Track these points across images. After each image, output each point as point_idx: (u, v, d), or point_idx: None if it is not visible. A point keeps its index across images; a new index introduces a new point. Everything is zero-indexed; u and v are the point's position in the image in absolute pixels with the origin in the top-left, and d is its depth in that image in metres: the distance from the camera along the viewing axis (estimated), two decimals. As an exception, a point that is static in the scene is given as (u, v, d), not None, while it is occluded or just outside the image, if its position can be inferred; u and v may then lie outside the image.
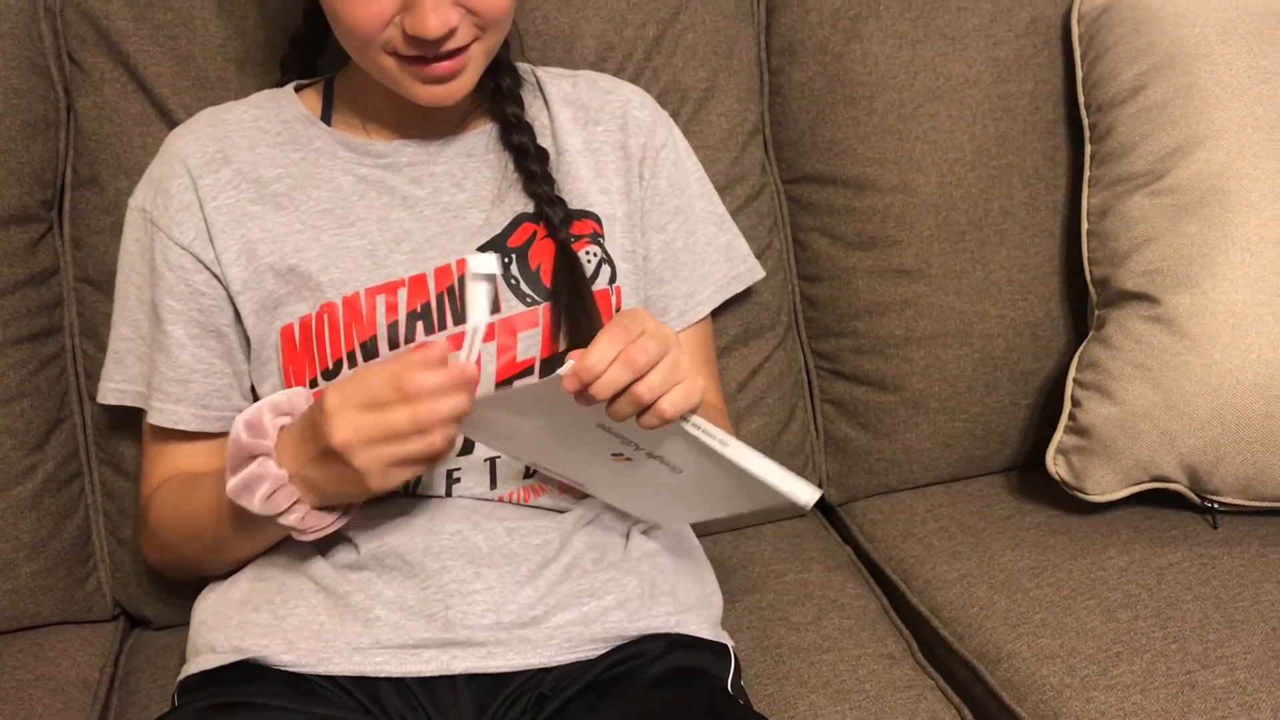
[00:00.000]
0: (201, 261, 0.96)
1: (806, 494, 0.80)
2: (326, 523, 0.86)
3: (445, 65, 0.88)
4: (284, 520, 0.84)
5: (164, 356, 0.97)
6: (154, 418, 0.98)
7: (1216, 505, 1.15)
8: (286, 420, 0.86)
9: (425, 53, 0.87)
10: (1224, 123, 1.13)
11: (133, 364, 1.00)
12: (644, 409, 0.77)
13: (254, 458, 0.83)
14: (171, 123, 1.08)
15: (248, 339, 0.97)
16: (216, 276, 0.96)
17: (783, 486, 0.80)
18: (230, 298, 0.96)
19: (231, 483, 0.83)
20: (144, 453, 1.02)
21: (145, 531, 1.02)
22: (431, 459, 0.79)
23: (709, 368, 1.10)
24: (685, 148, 1.10)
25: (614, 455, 0.84)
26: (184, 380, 0.97)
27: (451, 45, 0.87)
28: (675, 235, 1.06)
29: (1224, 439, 1.10)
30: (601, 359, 0.76)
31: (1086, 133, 1.23)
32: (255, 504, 0.83)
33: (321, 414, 0.79)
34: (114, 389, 1.02)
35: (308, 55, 1.07)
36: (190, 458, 0.99)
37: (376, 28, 0.86)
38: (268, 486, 0.82)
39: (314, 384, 0.93)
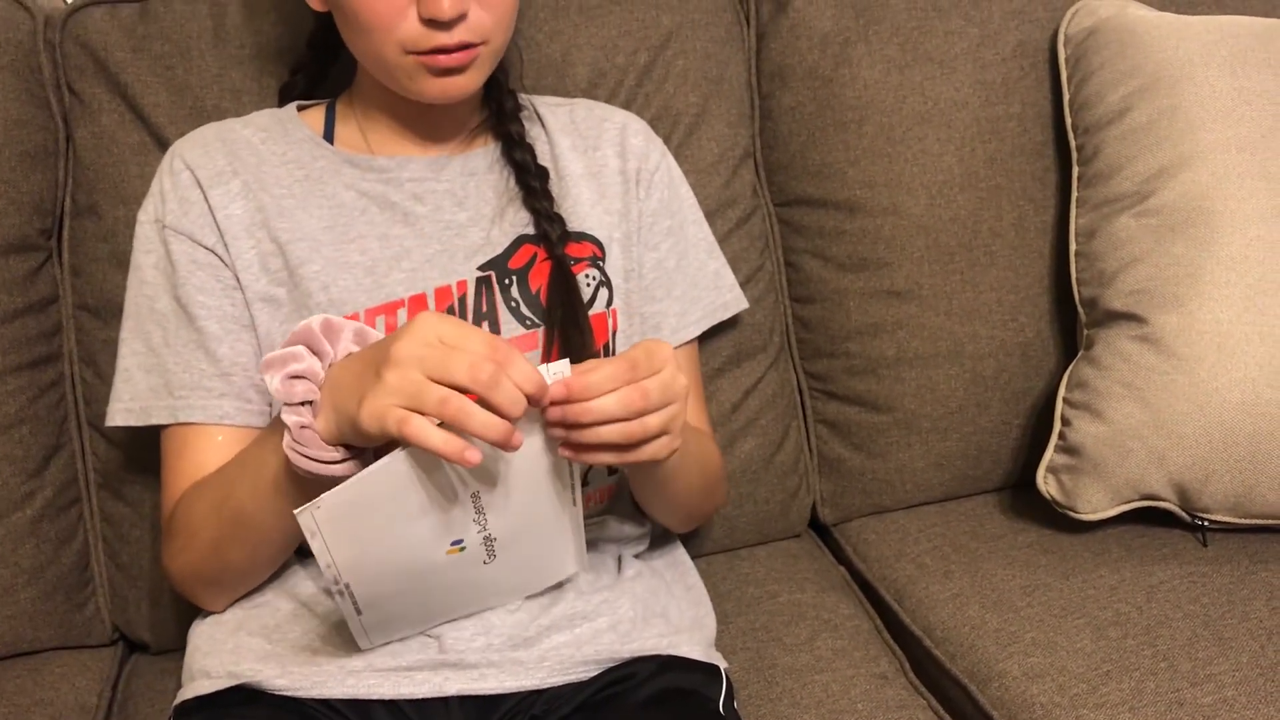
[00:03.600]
0: (224, 263, 0.96)
1: (576, 567, 0.90)
2: (317, 455, 0.79)
3: (457, 56, 0.91)
4: (287, 416, 0.79)
5: (202, 354, 0.95)
6: (194, 415, 0.95)
7: (1206, 523, 1.15)
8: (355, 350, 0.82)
9: (439, 42, 0.89)
10: (1208, 144, 1.14)
11: (141, 379, 0.97)
12: (613, 448, 0.78)
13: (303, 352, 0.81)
14: (168, 152, 1.09)
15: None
16: (237, 278, 0.96)
17: (575, 555, 0.88)
18: (247, 303, 0.97)
19: (268, 356, 0.81)
20: (166, 465, 0.97)
21: (169, 534, 0.95)
22: (417, 434, 0.72)
23: (697, 390, 1.11)
24: (679, 175, 1.12)
25: (453, 544, 0.82)
26: (226, 374, 0.96)
27: (464, 38, 0.90)
28: (668, 254, 1.08)
29: (1212, 457, 1.11)
30: (603, 382, 0.76)
31: (1074, 154, 1.24)
32: (276, 381, 0.80)
33: (409, 323, 0.76)
34: (122, 409, 0.98)
35: (309, 84, 1.09)
36: (222, 458, 0.94)
37: (393, 17, 0.88)
38: (296, 368, 0.80)
39: None
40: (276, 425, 0.84)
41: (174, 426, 0.96)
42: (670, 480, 0.94)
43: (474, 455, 0.72)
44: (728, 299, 1.14)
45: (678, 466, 0.92)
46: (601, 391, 0.76)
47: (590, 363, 0.77)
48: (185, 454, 0.96)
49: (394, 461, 0.76)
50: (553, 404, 0.76)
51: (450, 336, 0.75)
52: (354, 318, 0.94)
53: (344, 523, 0.78)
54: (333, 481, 0.77)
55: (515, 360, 0.74)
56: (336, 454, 0.80)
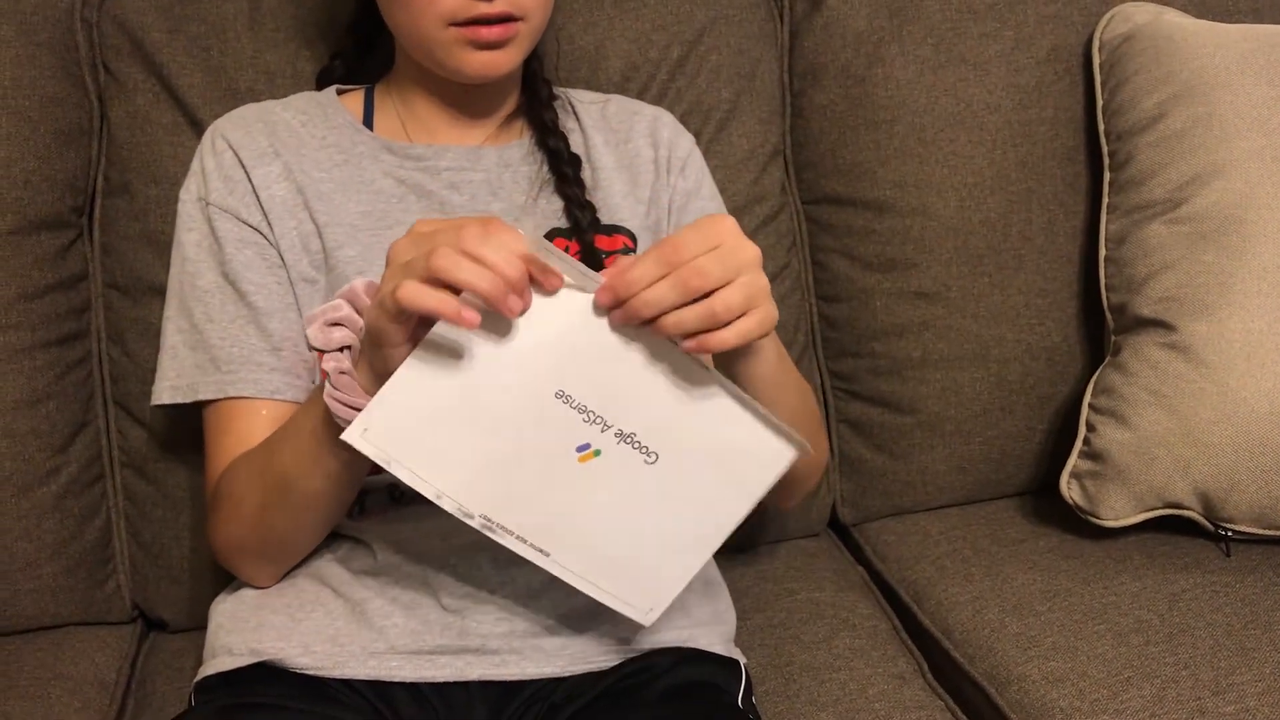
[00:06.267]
0: (269, 241, 0.97)
1: (788, 450, 0.77)
2: (356, 402, 0.78)
3: (497, 30, 0.92)
4: (326, 363, 0.80)
5: (253, 329, 0.95)
6: (245, 390, 0.94)
7: (1230, 533, 1.15)
8: None
9: (481, 11, 0.90)
10: (1243, 152, 1.14)
11: (186, 355, 0.96)
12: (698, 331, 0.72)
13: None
14: (202, 133, 1.09)
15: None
16: (281, 258, 0.97)
17: (770, 434, 0.77)
18: (291, 282, 0.97)
19: (311, 312, 0.81)
20: (210, 440, 0.96)
21: (214, 506, 0.95)
22: (409, 296, 0.70)
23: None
24: (706, 168, 1.12)
25: (579, 451, 0.76)
26: (277, 349, 0.95)
27: (505, 8, 0.91)
28: None
29: (1238, 467, 1.10)
30: (646, 273, 0.71)
31: (1106, 160, 1.24)
32: (315, 327, 0.81)
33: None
34: (169, 386, 0.97)
35: (347, 70, 1.10)
36: (267, 432, 0.92)
37: None
38: (334, 316, 0.80)
39: None
40: (318, 389, 0.84)
41: (219, 402, 0.95)
42: (771, 386, 0.86)
43: (470, 315, 0.70)
44: None
45: (779, 379, 0.87)
46: (647, 283, 0.71)
47: (631, 258, 0.73)
48: (231, 428, 0.95)
49: (425, 343, 0.73)
50: (611, 316, 0.73)
51: (437, 223, 0.74)
52: None
53: (407, 433, 0.74)
54: None
55: (504, 227, 0.72)
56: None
